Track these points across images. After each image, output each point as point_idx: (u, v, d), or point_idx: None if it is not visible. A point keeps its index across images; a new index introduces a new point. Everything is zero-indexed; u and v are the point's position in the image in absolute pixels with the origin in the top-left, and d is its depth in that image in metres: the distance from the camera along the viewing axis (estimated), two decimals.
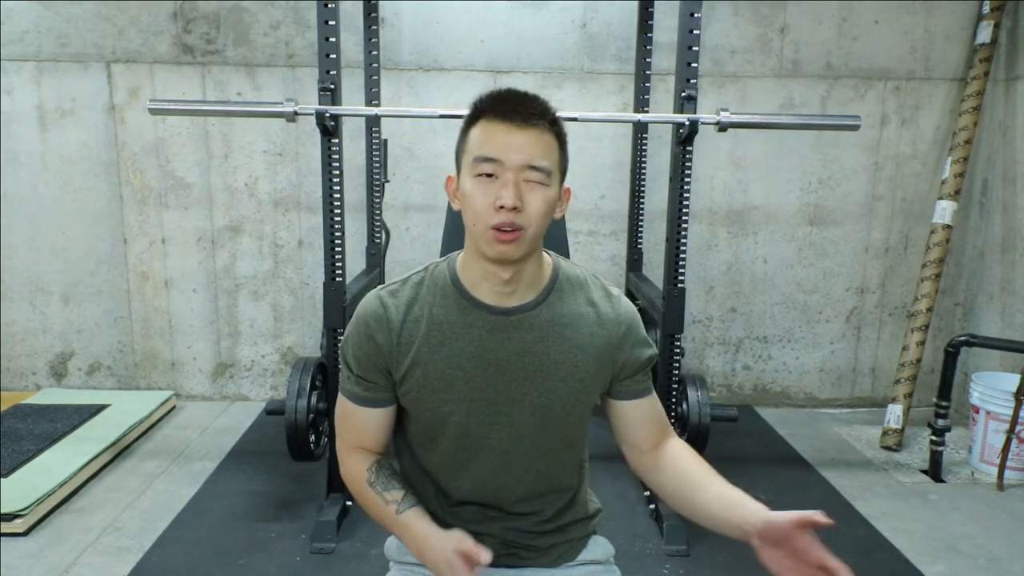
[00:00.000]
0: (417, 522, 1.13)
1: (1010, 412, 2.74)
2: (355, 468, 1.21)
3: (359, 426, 1.21)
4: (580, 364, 1.17)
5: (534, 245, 1.12)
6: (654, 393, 1.28)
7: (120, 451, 2.93)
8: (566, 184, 1.16)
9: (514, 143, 1.07)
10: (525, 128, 1.08)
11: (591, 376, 1.19)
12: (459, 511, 1.23)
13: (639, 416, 1.24)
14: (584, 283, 1.22)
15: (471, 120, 1.12)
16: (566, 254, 2.42)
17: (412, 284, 1.19)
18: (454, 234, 2.39)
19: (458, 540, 1.06)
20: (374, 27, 3.08)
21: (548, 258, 1.21)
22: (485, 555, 1.03)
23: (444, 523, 1.24)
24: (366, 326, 1.16)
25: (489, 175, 1.08)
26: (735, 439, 3.13)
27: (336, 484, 2.47)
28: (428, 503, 1.25)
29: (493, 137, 1.08)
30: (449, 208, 2.45)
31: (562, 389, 1.17)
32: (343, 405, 1.22)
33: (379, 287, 1.21)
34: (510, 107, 1.08)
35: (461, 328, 1.15)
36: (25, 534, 2.33)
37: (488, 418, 1.17)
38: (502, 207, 1.06)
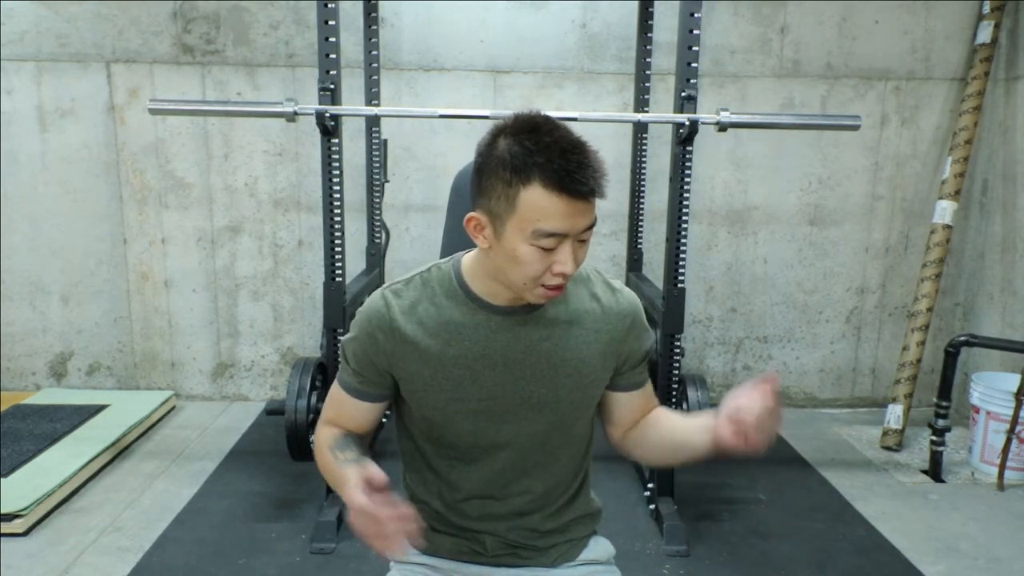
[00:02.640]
0: (350, 470, 1.09)
1: (1010, 412, 2.74)
2: (327, 433, 1.21)
3: (346, 413, 1.23)
4: (587, 360, 1.18)
5: None
6: (649, 381, 1.29)
7: (120, 451, 2.93)
8: None
9: (579, 213, 1.03)
10: (589, 198, 1.04)
11: (598, 371, 1.19)
12: (464, 508, 1.24)
13: (635, 404, 1.26)
14: (586, 278, 1.22)
15: (521, 176, 1.01)
16: None
17: (417, 284, 1.19)
18: (454, 234, 2.38)
19: (361, 468, 1.04)
20: (374, 27, 3.08)
21: None
22: (380, 476, 1.00)
23: (449, 522, 1.25)
24: (368, 323, 1.17)
25: (548, 248, 1.05)
26: None
27: None
28: (432, 502, 1.25)
29: (560, 210, 1.02)
30: (449, 208, 2.44)
31: (569, 385, 1.17)
32: (336, 391, 1.23)
33: (384, 285, 1.21)
34: (578, 187, 1.01)
35: (468, 328, 1.15)
36: (25, 534, 2.33)
37: (497, 416, 1.18)
38: (562, 273, 1.05)
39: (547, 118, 1.05)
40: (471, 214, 1.09)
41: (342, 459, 1.15)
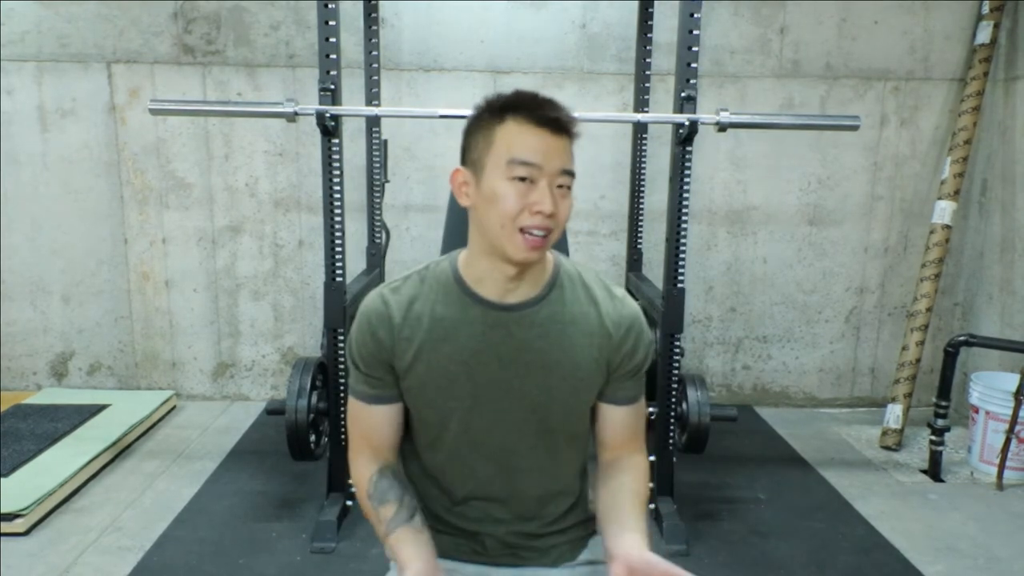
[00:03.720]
0: (401, 548, 1.11)
1: (1009, 412, 2.74)
2: (361, 475, 1.21)
3: (368, 426, 1.22)
4: (580, 362, 1.18)
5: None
6: (641, 402, 1.27)
7: (120, 451, 2.93)
8: None
9: (552, 149, 1.08)
10: (559, 135, 1.09)
11: (591, 374, 1.19)
12: (463, 510, 1.24)
13: (617, 421, 1.24)
14: (586, 281, 1.22)
15: (497, 116, 1.10)
16: (566, 254, 2.42)
17: (414, 281, 1.20)
18: (454, 234, 2.39)
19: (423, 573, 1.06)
20: (374, 27, 3.09)
21: (549, 255, 1.21)
22: None
23: (448, 523, 1.25)
24: (368, 323, 1.17)
25: (523, 179, 1.08)
26: (735, 439, 3.13)
27: (336, 484, 2.48)
28: (432, 503, 1.25)
29: (531, 142, 1.07)
30: (449, 208, 2.44)
31: (562, 387, 1.17)
32: (353, 406, 1.23)
33: (381, 285, 1.21)
34: (546, 113, 1.08)
35: (462, 324, 1.16)
36: (25, 534, 2.33)
37: (490, 415, 1.18)
38: (540, 212, 1.07)
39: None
40: (457, 168, 1.15)
41: (383, 520, 1.15)
